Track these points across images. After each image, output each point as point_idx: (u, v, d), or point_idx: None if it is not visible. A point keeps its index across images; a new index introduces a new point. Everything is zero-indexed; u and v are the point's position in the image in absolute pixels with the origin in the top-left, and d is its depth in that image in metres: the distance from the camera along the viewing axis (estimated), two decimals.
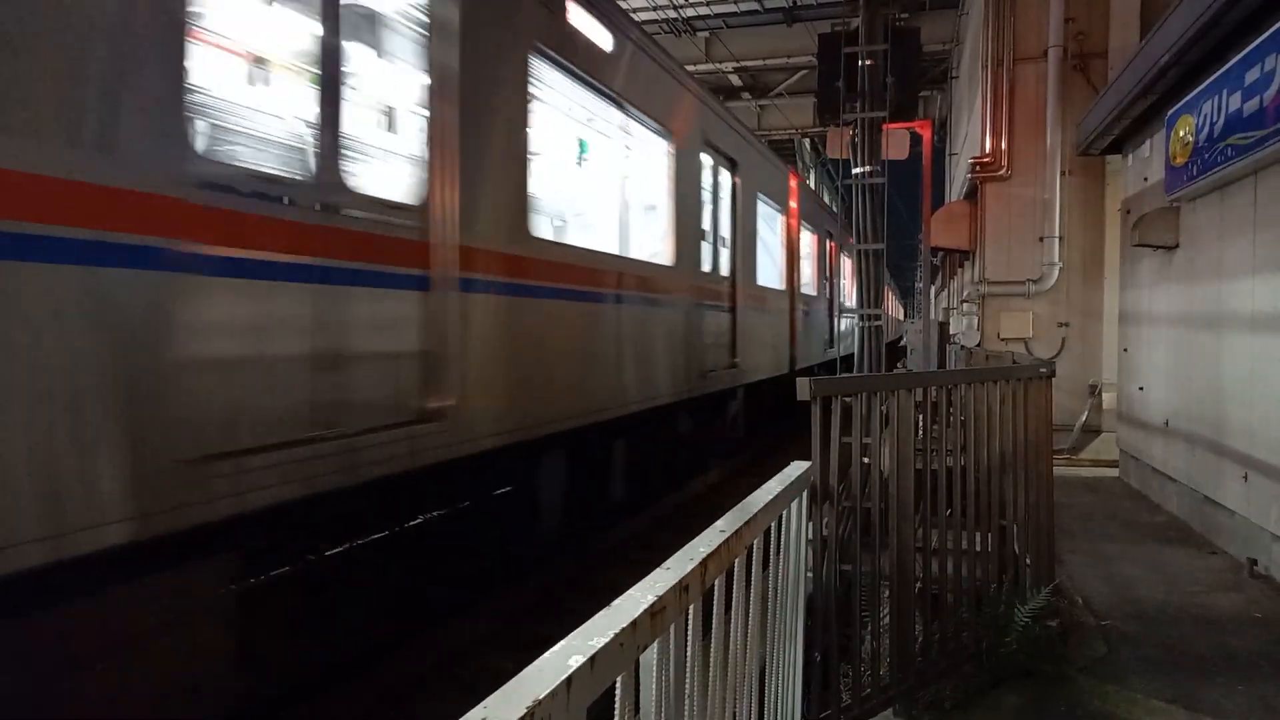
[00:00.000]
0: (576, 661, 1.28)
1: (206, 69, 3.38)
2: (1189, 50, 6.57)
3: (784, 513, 2.85)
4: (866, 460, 3.67)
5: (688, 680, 1.85)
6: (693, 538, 2.09)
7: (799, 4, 20.72)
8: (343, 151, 3.89)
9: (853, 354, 17.28)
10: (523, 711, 1.11)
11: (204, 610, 3.41)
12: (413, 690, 4.75)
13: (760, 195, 11.49)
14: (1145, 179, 8.65)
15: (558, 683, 1.21)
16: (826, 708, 3.40)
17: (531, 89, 5.40)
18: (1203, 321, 7.05)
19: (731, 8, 21.02)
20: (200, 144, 3.29)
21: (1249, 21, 5.80)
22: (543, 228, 5.97)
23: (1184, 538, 6.92)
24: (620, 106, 6.97)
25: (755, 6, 21.08)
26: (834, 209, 20.96)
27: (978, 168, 12.94)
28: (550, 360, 5.65)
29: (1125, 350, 9.62)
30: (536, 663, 1.28)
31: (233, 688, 3.57)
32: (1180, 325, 7.64)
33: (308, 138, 3.81)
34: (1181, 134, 7.15)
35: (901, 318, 43.74)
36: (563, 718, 1.21)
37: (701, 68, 21.89)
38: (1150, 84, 7.50)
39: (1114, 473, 9.91)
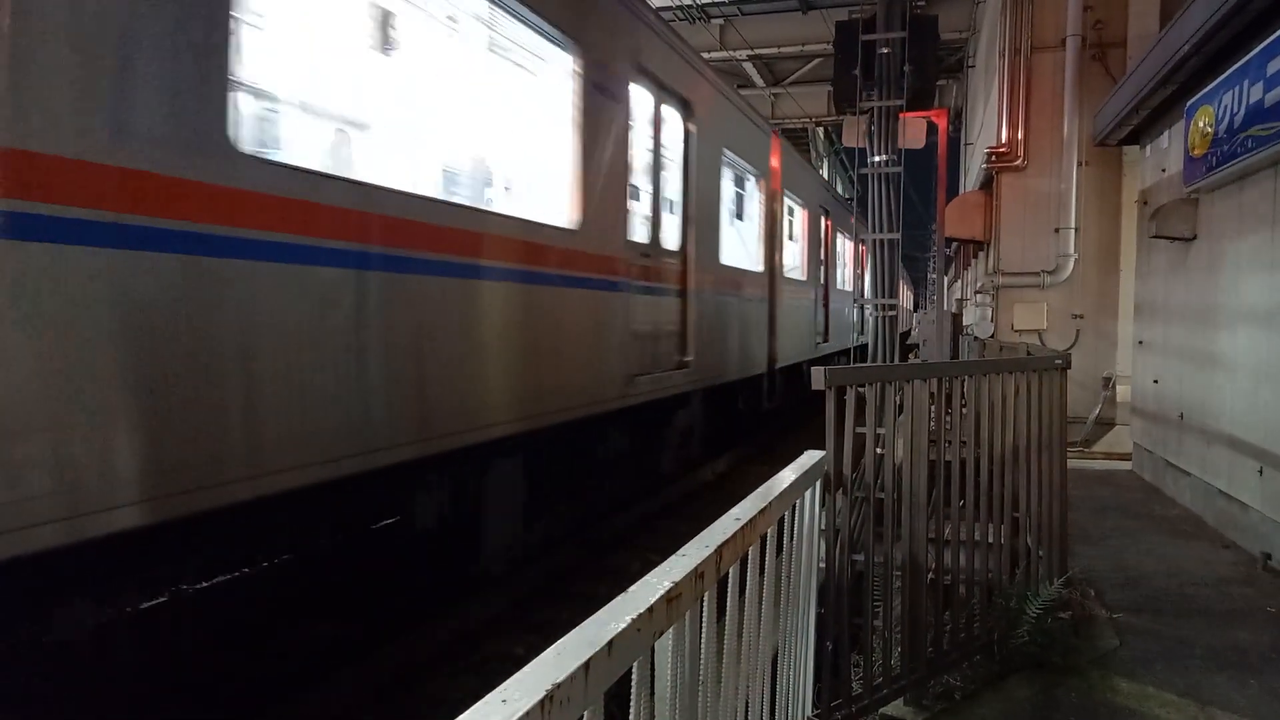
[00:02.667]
0: (594, 646, 1.29)
1: None
2: (1209, 40, 6.49)
3: (797, 502, 2.86)
4: (880, 450, 3.66)
5: (702, 667, 1.86)
6: (696, 524, 2.10)
7: None
8: None
9: (847, 348, 16.93)
10: (542, 695, 1.12)
11: None
12: (422, 672, 4.79)
13: (727, 153, 9.42)
14: (1163, 170, 8.58)
15: (576, 667, 1.22)
16: (837, 696, 3.41)
17: None
18: (1220, 314, 7.00)
19: None
20: None
21: (1271, 11, 5.73)
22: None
23: (1197, 531, 6.89)
24: None
25: None
26: (831, 184, 20.15)
27: (993, 158, 12.85)
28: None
29: (1140, 343, 9.56)
30: (554, 647, 1.28)
31: None
32: (1197, 318, 7.58)
33: None
34: (1201, 125, 7.07)
35: (912, 308, 42.87)
36: (581, 702, 1.22)
37: (716, 55, 21.77)
38: (1169, 74, 7.42)
39: (1127, 465, 9.86)
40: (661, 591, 1.58)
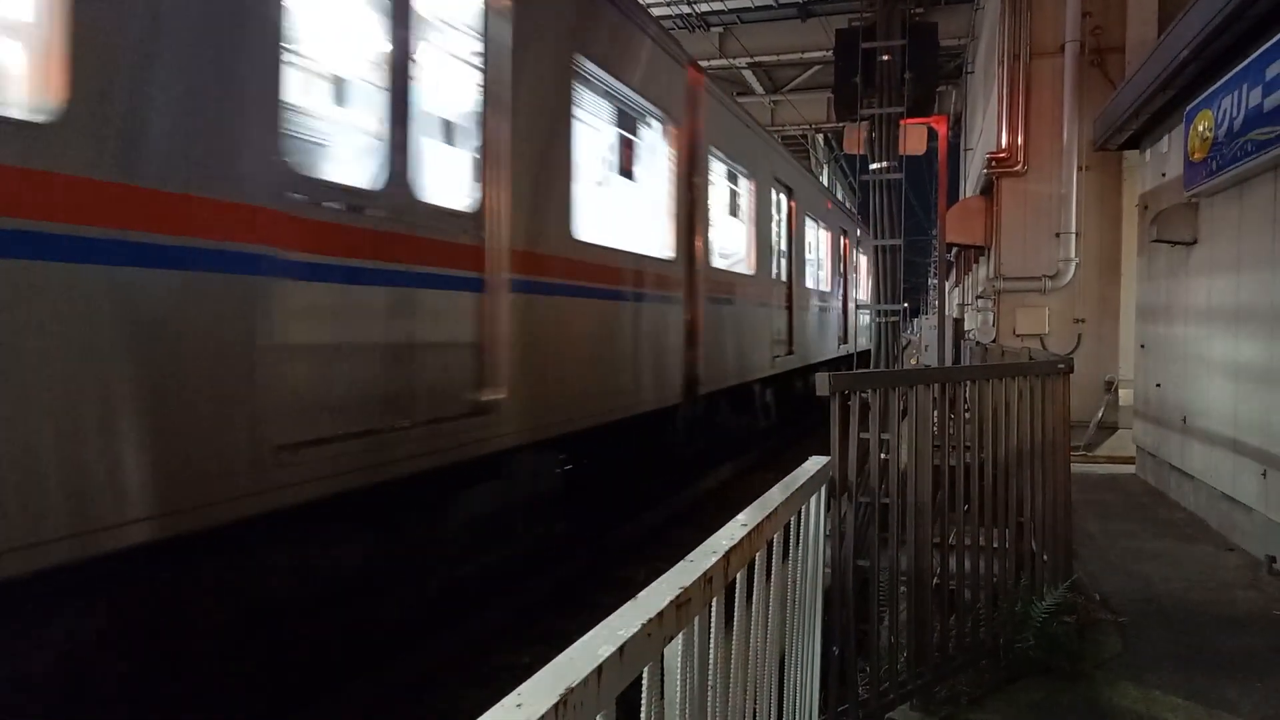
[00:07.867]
0: (606, 651, 1.30)
1: None
2: (1209, 45, 6.52)
3: (803, 507, 2.87)
4: (885, 456, 3.67)
5: (711, 671, 1.88)
6: (705, 532, 2.11)
7: None
8: None
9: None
10: (556, 699, 1.13)
11: None
12: (431, 683, 4.78)
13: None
14: (1163, 174, 8.60)
15: (589, 671, 1.23)
16: (844, 702, 3.42)
17: None
18: (1221, 318, 7.01)
19: (745, 2, 20.98)
20: None
21: (1270, 16, 5.76)
22: None
23: (1201, 534, 6.89)
24: None
25: (769, 1, 21.03)
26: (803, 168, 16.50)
27: (993, 163, 12.89)
28: None
29: (1142, 346, 9.57)
30: (567, 651, 1.30)
31: None
32: (1199, 321, 7.60)
33: None
34: (1200, 129, 7.10)
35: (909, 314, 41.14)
36: (594, 706, 1.23)
37: (715, 63, 21.85)
38: (1169, 79, 7.45)
39: (1130, 469, 9.86)
40: (670, 597, 1.59)
